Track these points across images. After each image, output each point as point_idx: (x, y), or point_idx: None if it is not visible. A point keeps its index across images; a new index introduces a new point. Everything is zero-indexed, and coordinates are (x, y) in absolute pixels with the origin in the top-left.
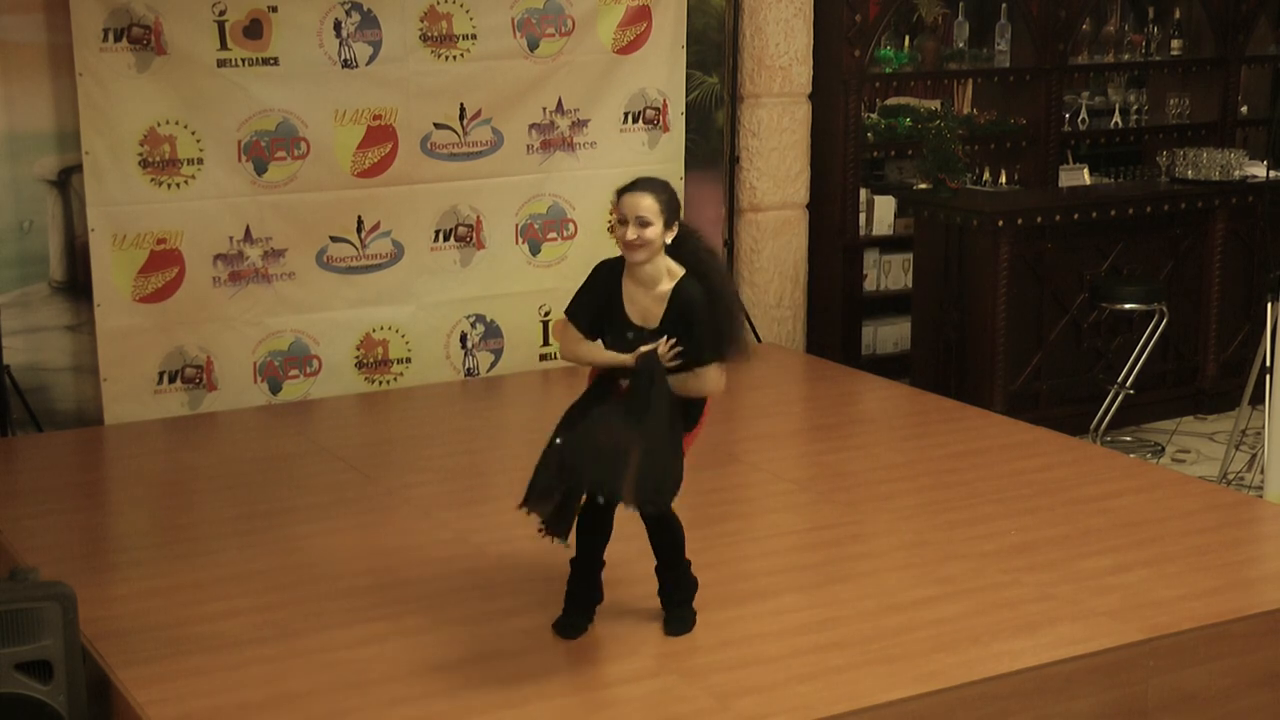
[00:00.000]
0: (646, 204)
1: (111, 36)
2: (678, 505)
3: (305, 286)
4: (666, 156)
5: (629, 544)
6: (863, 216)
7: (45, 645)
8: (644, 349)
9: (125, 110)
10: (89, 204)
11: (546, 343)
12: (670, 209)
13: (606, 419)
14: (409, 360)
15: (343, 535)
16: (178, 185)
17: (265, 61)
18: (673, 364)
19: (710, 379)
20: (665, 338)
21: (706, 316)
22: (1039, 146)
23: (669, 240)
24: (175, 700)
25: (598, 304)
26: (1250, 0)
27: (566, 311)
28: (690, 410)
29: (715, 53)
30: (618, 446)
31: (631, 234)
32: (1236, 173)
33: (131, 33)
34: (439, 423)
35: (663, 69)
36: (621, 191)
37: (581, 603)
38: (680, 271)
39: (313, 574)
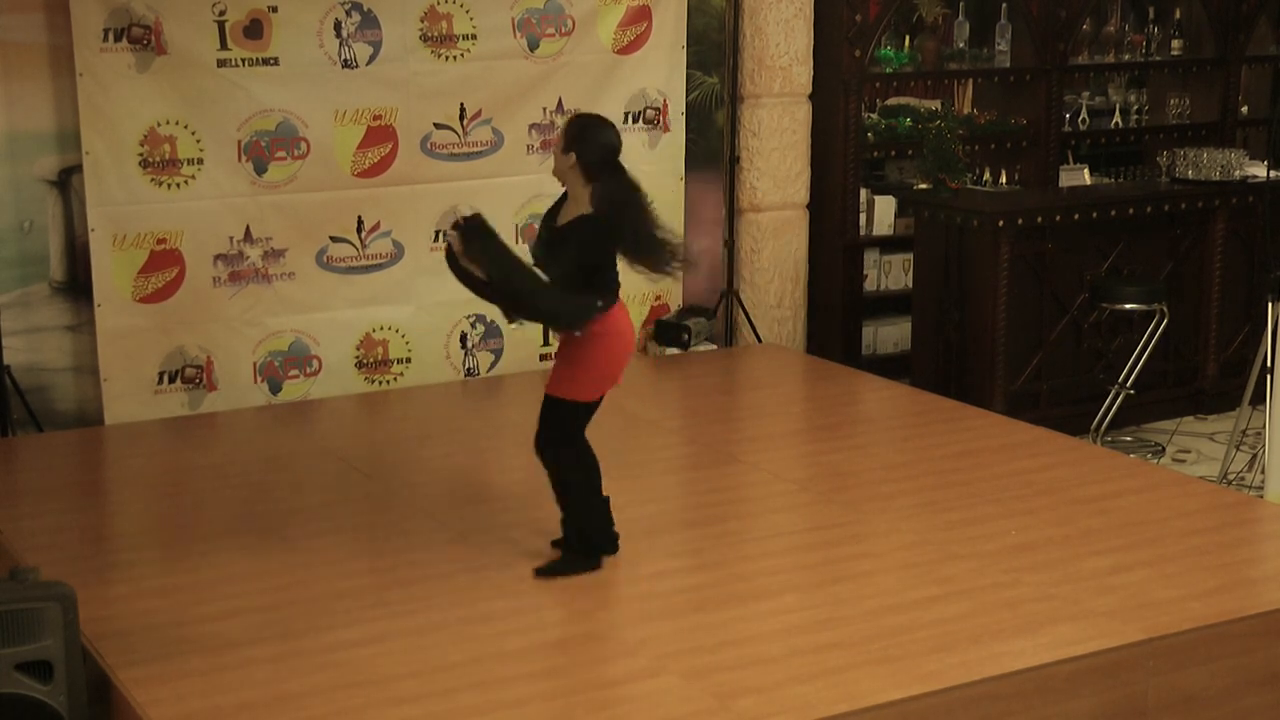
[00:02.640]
0: (555, 139)
1: (111, 36)
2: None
3: (305, 286)
4: (666, 157)
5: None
6: (863, 216)
7: (45, 645)
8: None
9: (125, 110)
10: (89, 204)
11: (546, 342)
12: (569, 140)
13: None
14: (409, 360)
15: (343, 535)
16: (178, 185)
17: (265, 61)
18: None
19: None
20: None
21: (573, 246)
22: (1039, 146)
23: (576, 167)
24: (175, 700)
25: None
26: (1250, 0)
27: None
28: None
29: (715, 53)
30: None
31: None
32: (1237, 173)
33: (131, 33)
34: (439, 423)
35: (663, 69)
36: None
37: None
38: (589, 210)
39: (313, 574)
